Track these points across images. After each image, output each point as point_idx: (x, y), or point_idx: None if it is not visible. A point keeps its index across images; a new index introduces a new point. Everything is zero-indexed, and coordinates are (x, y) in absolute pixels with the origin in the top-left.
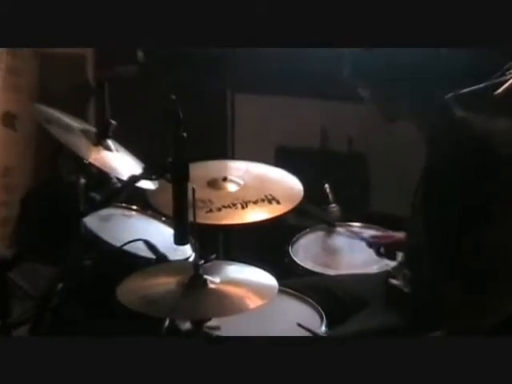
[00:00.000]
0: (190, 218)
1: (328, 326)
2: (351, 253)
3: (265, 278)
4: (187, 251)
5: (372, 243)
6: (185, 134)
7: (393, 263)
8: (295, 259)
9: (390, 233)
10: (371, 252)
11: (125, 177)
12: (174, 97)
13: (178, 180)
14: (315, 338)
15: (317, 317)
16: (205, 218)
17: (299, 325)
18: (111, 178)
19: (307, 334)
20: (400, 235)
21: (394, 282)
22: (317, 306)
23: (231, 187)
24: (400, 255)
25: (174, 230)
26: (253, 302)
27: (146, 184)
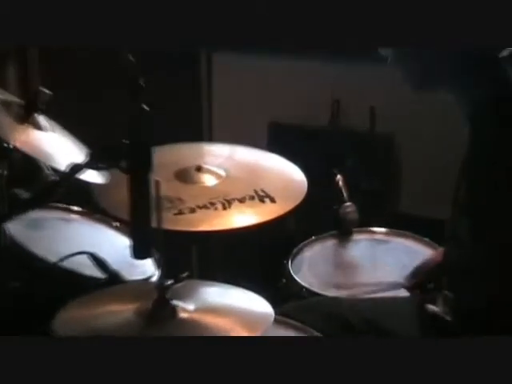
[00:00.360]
0: (153, 223)
1: None
2: (373, 269)
3: (256, 304)
4: (149, 268)
5: (411, 286)
6: (146, 107)
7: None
8: (296, 278)
9: (428, 256)
10: (401, 268)
11: (62, 166)
12: (131, 57)
13: (137, 170)
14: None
15: None
16: (173, 223)
17: None
18: (43, 168)
19: None
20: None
21: (431, 308)
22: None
23: (208, 180)
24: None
25: (132, 238)
26: (235, 332)
27: (92, 176)
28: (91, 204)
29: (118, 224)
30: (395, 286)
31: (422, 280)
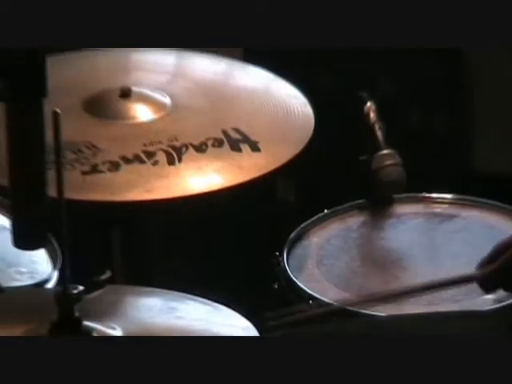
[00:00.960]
0: (50, 191)
1: None
2: (434, 264)
3: (230, 325)
4: (41, 267)
5: (489, 279)
6: None
7: None
8: (297, 282)
9: None
10: (475, 257)
11: None
12: None
13: (20, 94)
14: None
15: None
16: (82, 188)
17: None
18: None
19: None
20: None
21: None
22: None
23: (142, 113)
24: None
25: (12, 217)
26: None
27: None
28: None
29: None
30: (462, 280)
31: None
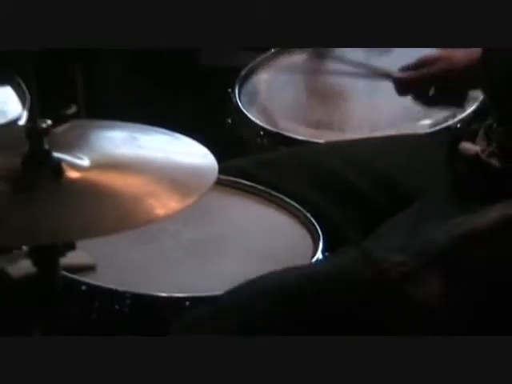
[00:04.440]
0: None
1: (330, 250)
2: (370, 95)
3: (188, 153)
4: (10, 106)
5: (404, 83)
6: None
7: (461, 113)
8: (248, 115)
9: (448, 51)
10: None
11: None
12: None
13: None
14: None
15: (305, 234)
16: None
17: None
18: None
19: None
20: (468, 52)
21: (468, 147)
22: (302, 210)
23: None
24: (473, 95)
25: None
26: (164, 203)
27: None
28: None
29: None
30: (383, 74)
31: (423, 79)
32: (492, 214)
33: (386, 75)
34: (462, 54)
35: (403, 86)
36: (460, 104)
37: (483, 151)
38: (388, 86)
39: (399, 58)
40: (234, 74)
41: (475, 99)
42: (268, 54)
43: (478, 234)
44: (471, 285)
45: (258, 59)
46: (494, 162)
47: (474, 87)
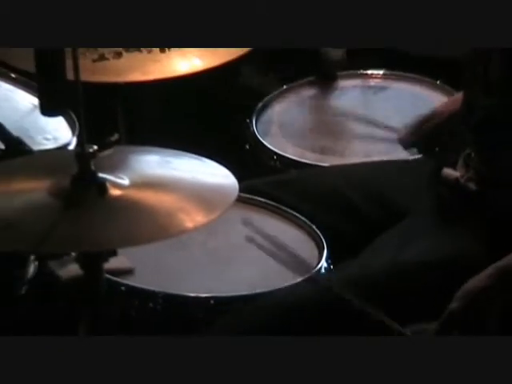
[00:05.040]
0: (68, 74)
1: (333, 260)
2: (367, 126)
3: (212, 174)
4: (62, 134)
5: (407, 141)
6: None
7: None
8: (264, 142)
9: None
10: (407, 121)
11: None
12: None
13: None
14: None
15: (311, 244)
16: (92, 72)
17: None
18: None
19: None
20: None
21: (450, 173)
22: (309, 224)
23: None
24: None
25: (41, 88)
26: (192, 218)
27: None
28: None
29: (15, 75)
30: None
31: (423, 135)
32: None
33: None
34: (451, 106)
35: (406, 142)
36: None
37: (462, 177)
38: (384, 118)
39: (393, 95)
40: (252, 106)
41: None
42: (281, 90)
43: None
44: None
45: (272, 94)
46: (472, 186)
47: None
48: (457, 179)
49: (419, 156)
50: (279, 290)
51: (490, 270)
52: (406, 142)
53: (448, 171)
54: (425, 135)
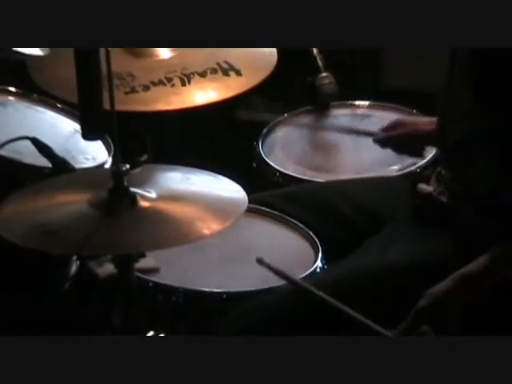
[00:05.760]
0: (104, 103)
1: (326, 261)
2: (356, 147)
3: (226, 189)
4: (99, 154)
5: (383, 140)
6: None
7: (421, 161)
8: (269, 161)
9: (413, 118)
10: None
11: None
12: None
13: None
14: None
15: (308, 248)
16: (125, 102)
17: (260, 261)
18: None
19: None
20: (428, 121)
21: (424, 188)
22: (307, 230)
23: (163, 52)
24: (431, 149)
25: (82, 117)
26: (208, 225)
27: (28, 48)
28: (29, 83)
29: (61, 105)
30: (367, 133)
31: (396, 137)
32: None
33: (370, 134)
34: (424, 122)
35: (382, 143)
36: (420, 155)
37: (434, 191)
38: (368, 142)
39: (377, 122)
40: (259, 130)
41: (430, 152)
42: (283, 117)
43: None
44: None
45: (275, 120)
46: (443, 198)
47: (431, 145)
48: (430, 193)
49: (398, 174)
50: (279, 287)
51: (455, 274)
52: (382, 143)
53: (423, 186)
54: (398, 140)
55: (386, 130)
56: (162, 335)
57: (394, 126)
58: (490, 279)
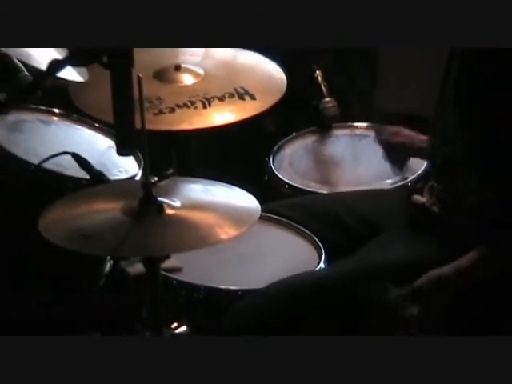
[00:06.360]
0: (136, 123)
1: (328, 262)
2: (355, 163)
3: (241, 199)
4: (131, 168)
5: (383, 140)
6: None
7: (414, 175)
8: (278, 175)
9: (412, 133)
10: (383, 161)
11: (40, 64)
12: None
13: (120, 65)
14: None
15: (313, 251)
16: (153, 123)
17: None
18: (20, 68)
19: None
20: (423, 139)
21: (418, 199)
22: (312, 235)
23: (187, 79)
24: (423, 164)
25: (117, 135)
26: (226, 231)
27: (71, 74)
28: (71, 105)
29: (98, 125)
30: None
31: (393, 143)
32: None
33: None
34: (419, 139)
35: (381, 141)
36: (401, 167)
37: (427, 202)
38: (366, 159)
39: (373, 141)
40: (270, 148)
41: (420, 167)
42: (291, 136)
43: None
44: None
45: (285, 139)
46: (435, 208)
47: (423, 159)
48: (423, 203)
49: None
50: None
51: (430, 273)
52: (381, 142)
53: (417, 197)
54: (393, 145)
55: (389, 133)
56: (179, 332)
57: (396, 132)
58: (463, 278)
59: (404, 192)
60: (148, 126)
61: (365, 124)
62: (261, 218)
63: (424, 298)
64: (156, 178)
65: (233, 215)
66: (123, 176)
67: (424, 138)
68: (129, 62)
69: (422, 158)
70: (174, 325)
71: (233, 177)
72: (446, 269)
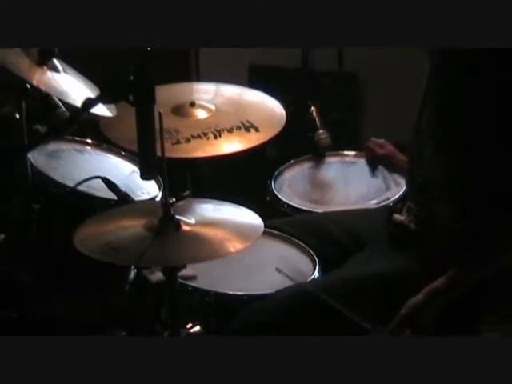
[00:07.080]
0: (157, 151)
1: (322, 271)
2: (345, 186)
3: (247, 217)
4: (152, 190)
5: (369, 148)
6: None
7: (395, 196)
8: (279, 196)
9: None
10: (369, 184)
11: (76, 102)
12: None
13: (143, 102)
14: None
15: (308, 261)
16: (171, 151)
17: (278, 270)
18: (59, 105)
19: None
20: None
21: (397, 217)
22: (307, 248)
23: (200, 114)
24: (403, 187)
25: (141, 162)
26: (234, 244)
27: (101, 110)
28: (101, 136)
29: (124, 153)
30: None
31: (377, 154)
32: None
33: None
34: (401, 158)
35: (367, 150)
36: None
37: (405, 220)
38: (354, 182)
39: (361, 167)
40: (272, 172)
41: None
42: (290, 163)
43: None
44: None
45: (284, 165)
46: (412, 226)
47: (400, 174)
48: (402, 221)
49: (376, 206)
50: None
51: (426, 288)
52: (367, 150)
53: (396, 216)
54: (377, 156)
55: (375, 144)
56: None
57: (381, 145)
58: (453, 292)
59: (386, 211)
60: (167, 154)
61: (353, 152)
62: (264, 233)
63: (410, 324)
64: (174, 199)
65: (240, 231)
66: (145, 197)
67: (405, 158)
68: (151, 99)
69: (401, 174)
70: (189, 325)
71: (239, 198)
72: (421, 296)
